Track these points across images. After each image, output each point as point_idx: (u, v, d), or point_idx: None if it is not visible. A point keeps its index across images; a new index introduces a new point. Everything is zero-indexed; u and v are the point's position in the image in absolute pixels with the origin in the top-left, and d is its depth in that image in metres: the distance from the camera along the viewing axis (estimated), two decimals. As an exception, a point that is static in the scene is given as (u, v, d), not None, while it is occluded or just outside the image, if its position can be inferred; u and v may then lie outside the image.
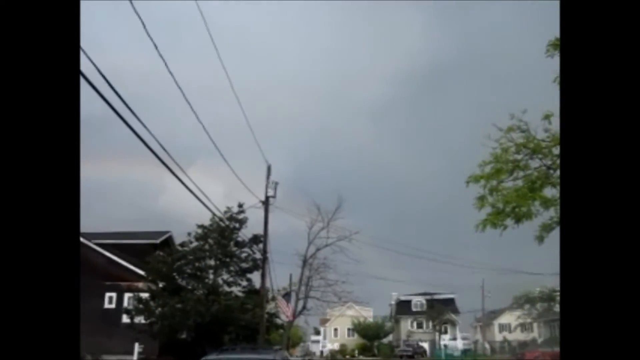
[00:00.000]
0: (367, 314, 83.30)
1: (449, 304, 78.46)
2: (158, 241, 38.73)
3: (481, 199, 13.47)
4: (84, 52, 8.72)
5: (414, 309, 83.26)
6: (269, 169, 26.22)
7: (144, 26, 10.45)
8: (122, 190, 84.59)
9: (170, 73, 12.29)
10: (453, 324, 78.99)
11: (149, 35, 10.71)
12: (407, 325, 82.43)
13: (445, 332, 76.70)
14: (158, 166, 12.65)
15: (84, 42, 8.63)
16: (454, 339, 73.83)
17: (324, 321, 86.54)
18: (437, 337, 73.72)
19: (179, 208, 57.02)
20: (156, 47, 11.20)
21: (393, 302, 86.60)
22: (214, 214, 23.41)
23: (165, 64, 11.91)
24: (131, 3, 9.88)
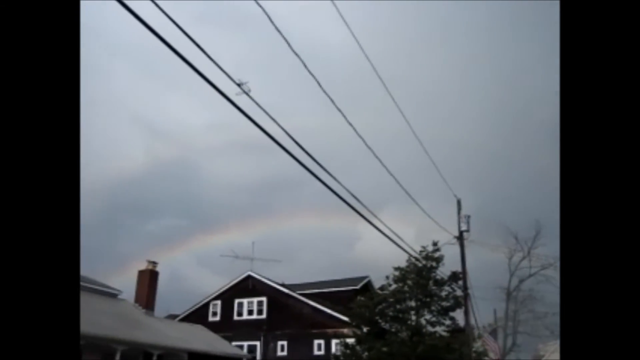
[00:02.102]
0: (586, 348, 76.86)
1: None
2: (358, 287, 39.73)
3: None
4: (273, 119, 9.45)
5: None
6: (459, 203, 25.86)
7: (319, 84, 11.11)
8: (320, 241, 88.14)
9: (350, 124, 12.84)
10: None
11: (324, 92, 11.34)
12: (634, 357, 74.49)
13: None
14: (351, 215, 13.15)
15: (272, 111, 9.43)
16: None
17: (537, 357, 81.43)
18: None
19: (374, 253, 57.90)
20: (333, 102, 11.81)
21: (614, 333, 79.06)
22: (410, 255, 23.53)
23: (344, 116, 12.49)
24: (304, 64, 10.59)
